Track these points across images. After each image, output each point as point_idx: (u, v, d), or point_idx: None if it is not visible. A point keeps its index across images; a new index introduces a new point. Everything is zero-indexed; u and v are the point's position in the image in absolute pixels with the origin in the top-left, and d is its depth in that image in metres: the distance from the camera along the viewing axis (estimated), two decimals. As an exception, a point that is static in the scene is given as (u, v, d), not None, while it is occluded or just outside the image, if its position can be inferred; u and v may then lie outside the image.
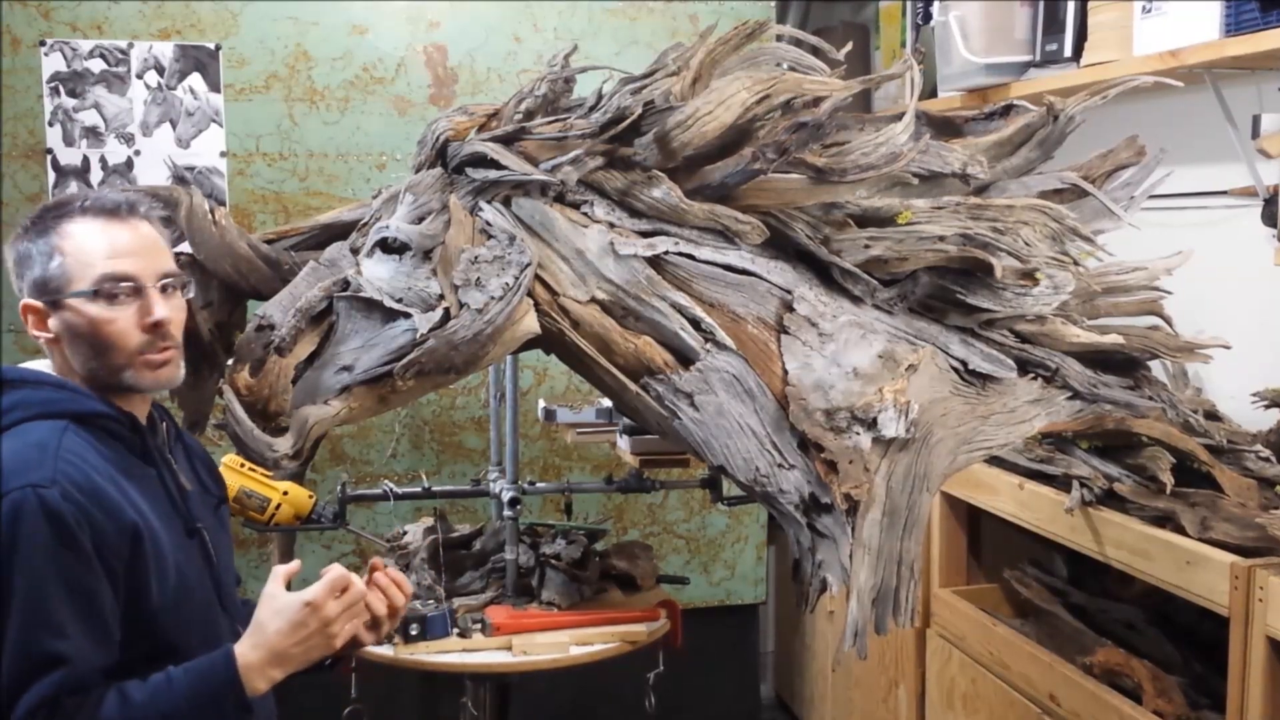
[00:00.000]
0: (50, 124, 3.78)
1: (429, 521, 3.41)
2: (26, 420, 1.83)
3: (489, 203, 2.32)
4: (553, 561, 3.23)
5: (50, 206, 1.93)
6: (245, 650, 1.81)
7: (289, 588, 1.89)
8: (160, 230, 1.98)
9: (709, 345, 2.22)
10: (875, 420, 2.13)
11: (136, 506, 1.83)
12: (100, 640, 1.76)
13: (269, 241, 2.49)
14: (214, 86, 3.87)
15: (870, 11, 4.69)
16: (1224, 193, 3.13)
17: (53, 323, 1.88)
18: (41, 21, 3.76)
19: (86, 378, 1.90)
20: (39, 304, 1.88)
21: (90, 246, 1.87)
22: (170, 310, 1.90)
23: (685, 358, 2.23)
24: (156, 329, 1.88)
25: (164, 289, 1.91)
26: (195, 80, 3.85)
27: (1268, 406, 2.91)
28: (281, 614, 1.83)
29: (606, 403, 3.30)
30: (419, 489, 3.28)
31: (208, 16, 3.86)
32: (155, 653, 1.83)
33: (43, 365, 1.95)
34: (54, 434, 1.81)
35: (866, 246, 2.26)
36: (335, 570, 1.89)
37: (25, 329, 1.92)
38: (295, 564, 1.90)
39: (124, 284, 1.87)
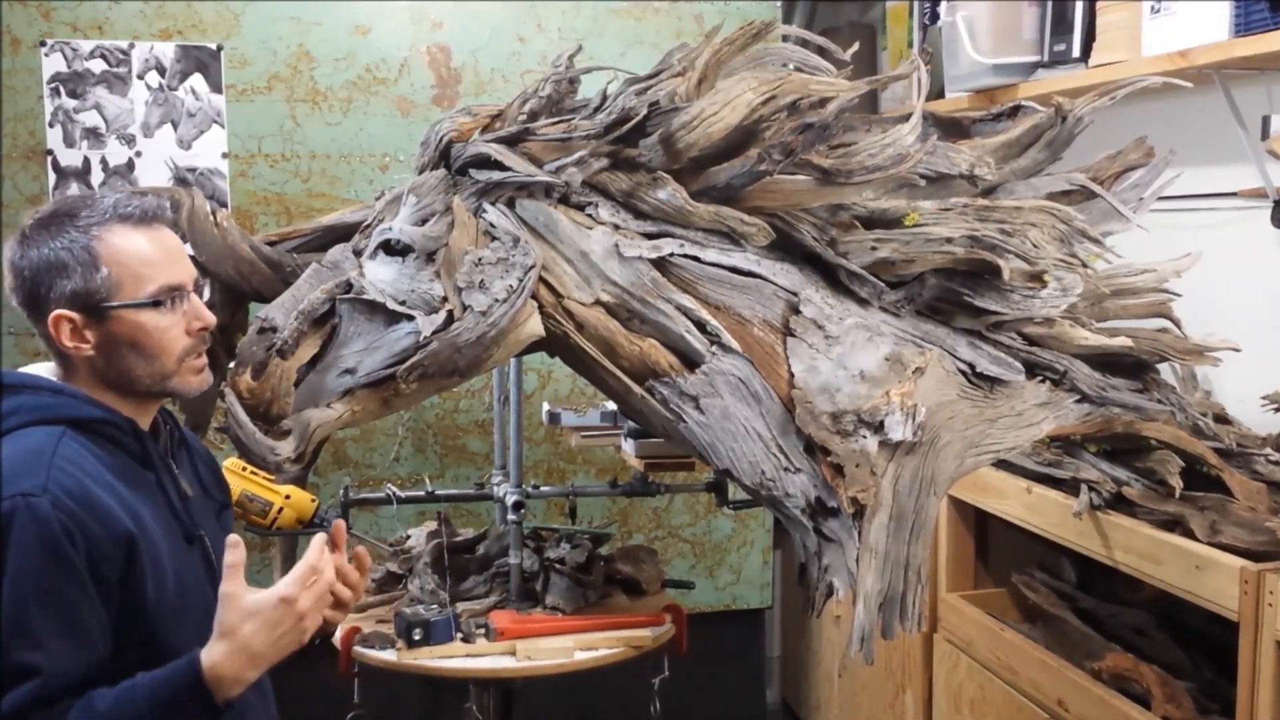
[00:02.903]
0: (51, 125, 3.77)
1: (432, 525, 3.40)
2: (24, 426, 1.82)
3: (493, 204, 2.31)
4: (557, 566, 3.22)
5: (71, 209, 1.88)
6: (218, 658, 1.74)
7: None
8: (179, 238, 1.99)
9: (714, 348, 2.20)
10: (882, 423, 2.11)
11: (134, 513, 1.81)
12: (79, 654, 1.73)
13: (271, 243, 2.48)
14: (215, 87, 3.86)
15: (877, 11, 4.68)
16: (1233, 194, 3.12)
17: (91, 333, 1.86)
18: (42, 22, 3.75)
19: (120, 384, 1.88)
20: (76, 316, 1.85)
21: (138, 257, 1.86)
22: None
23: (690, 360, 2.22)
24: (204, 332, 1.92)
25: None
26: (197, 81, 3.84)
27: (1277, 409, 2.89)
28: (255, 615, 1.77)
29: (611, 406, 3.28)
30: (422, 493, 3.27)
31: (209, 17, 3.85)
32: (152, 660, 1.81)
33: (42, 369, 1.93)
34: (50, 440, 1.79)
35: (873, 248, 2.25)
36: (307, 560, 1.85)
37: (29, 331, 1.90)
38: (242, 552, 1.82)
39: (179, 292, 1.89)
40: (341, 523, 2.03)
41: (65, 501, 1.73)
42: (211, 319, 1.93)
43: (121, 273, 1.84)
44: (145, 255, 1.87)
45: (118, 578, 1.77)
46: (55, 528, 1.71)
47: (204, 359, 1.95)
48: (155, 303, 1.86)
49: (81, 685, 1.72)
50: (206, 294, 2.07)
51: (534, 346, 2.30)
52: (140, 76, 3.81)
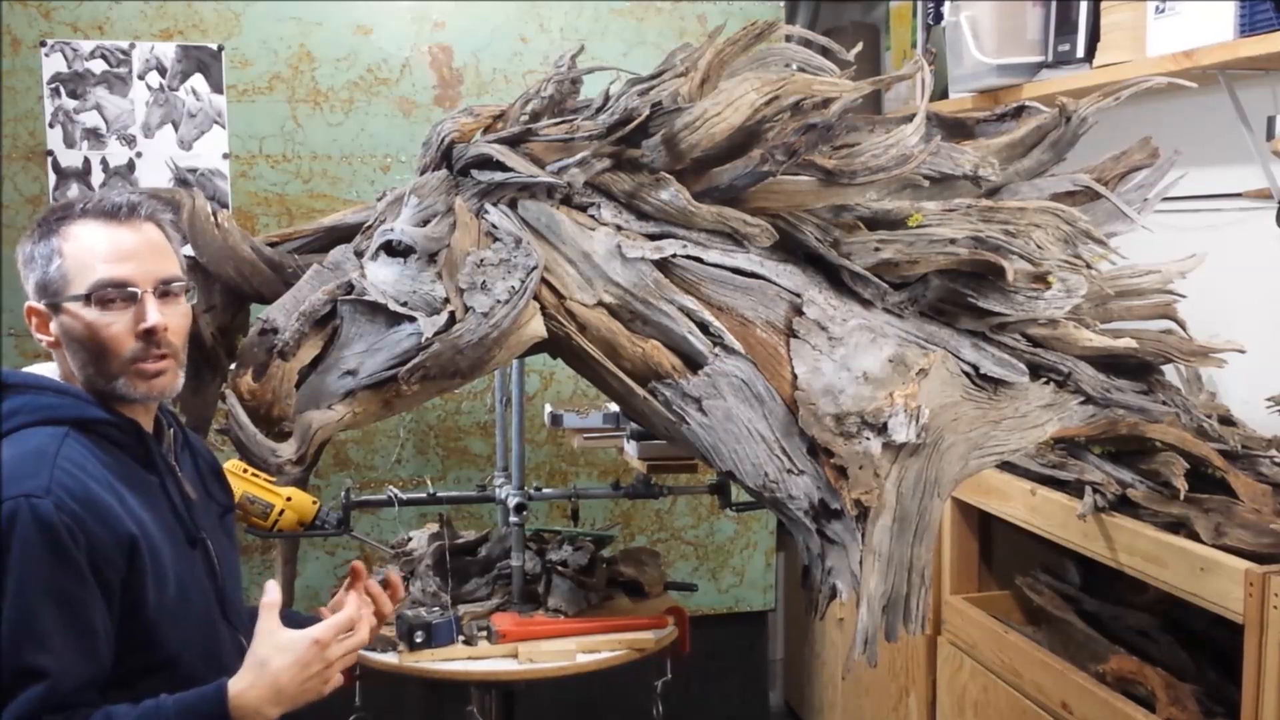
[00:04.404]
0: (51, 125, 3.76)
1: (434, 527, 3.40)
2: (27, 426, 1.81)
3: (495, 205, 2.30)
4: (559, 568, 3.21)
5: (56, 208, 1.91)
6: (244, 688, 1.75)
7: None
8: (169, 233, 1.96)
9: (717, 349, 2.20)
10: (886, 425, 2.11)
11: (135, 516, 1.81)
12: (86, 654, 1.73)
13: (272, 244, 2.47)
14: (216, 88, 3.85)
15: (880, 11, 4.68)
16: (1238, 195, 3.11)
17: (53, 326, 1.86)
18: (42, 22, 3.74)
19: (85, 384, 1.87)
20: (41, 307, 1.86)
21: (88, 249, 1.84)
22: (168, 316, 1.87)
23: (693, 362, 2.21)
24: (149, 336, 1.85)
25: (164, 294, 1.88)
26: (198, 81, 3.83)
27: (1282, 411, 2.89)
28: (287, 652, 1.78)
29: (613, 407, 3.28)
30: (424, 495, 3.26)
31: (210, 17, 3.84)
32: (153, 664, 1.80)
33: (48, 369, 1.93)
34: (53, 441, 1.78)
35: (877, 249, 2.24)
36: (346, 612, 1.86)
37: (29, 332, 1.90)
38: (278, 594, 1.84)
39: (118, 289, 1.84)
40: (359, 565, 2.04)
41: (68, 503, 1.72)
42: (154, 321, 1.85)
43: (70, 266, 1.84)
44: (95, 249, 1.85)
45: (120, 580, 1.77)
46: (59, 529, 1.70)
47: (161, 364, 1.88)
48: (87, 297, 1.82)
49: (89, 687, 1.72)
50: (194, 299, 2.01)
51: (536, 348, 2.29)
52: (141, 77, 3.80)
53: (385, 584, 2.11)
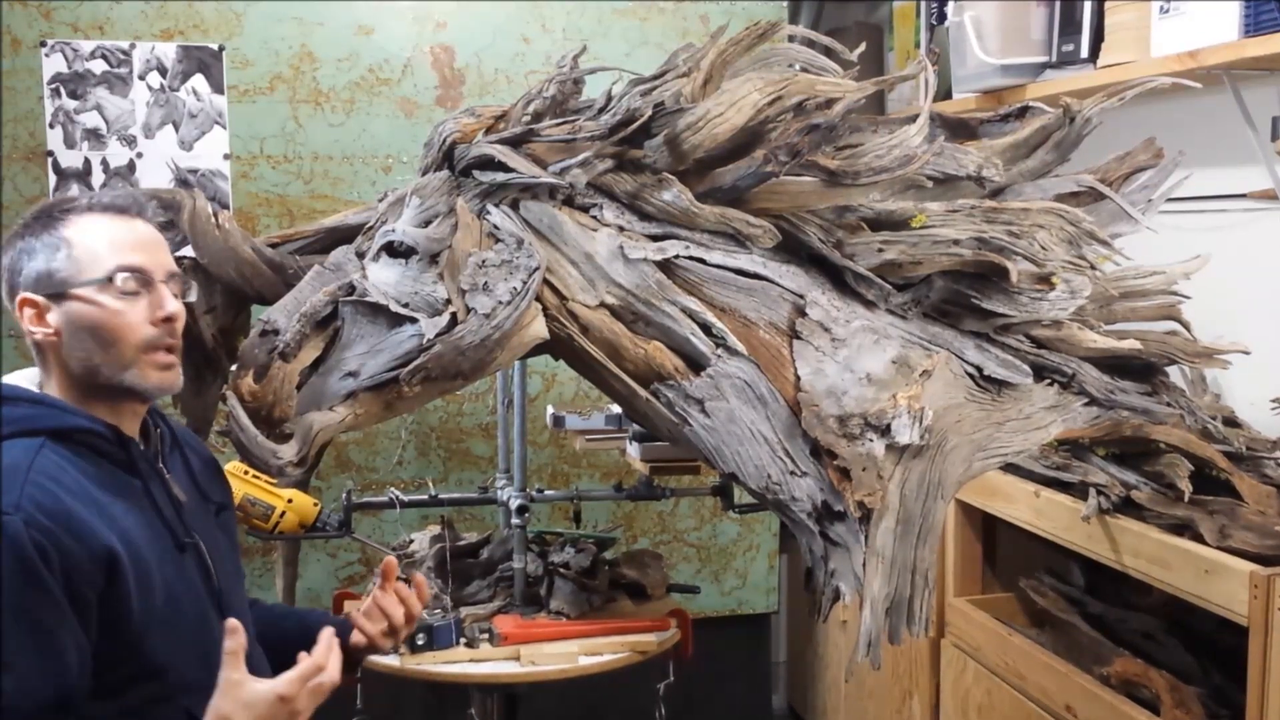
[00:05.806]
0: (51, 126, 3.75)
1: (436, 529, 3.39)
2: (1, 439, 1.78)
3: (496, 206, 2.30)
4: (561, 570, 3.20)
5: (53, 204, 1.89)
6: None
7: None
8: (161, 236, 1.95)
9: (720, 351, 2.19)
10: (889, 427, 2.10)
11: (117, 526, 1.77)
12: (50, 676, 1.68)
13: (273, 245, 2.47)
14: (217, 88, 3.85)
15: (884, 12, 4.66)
16: (1243, 196, 3.10)
17: (53, 317, 1.83)
18: (42, 22, 3.74)
19: (85, 377, 1.84)
20: (39, 298, 1.83)
21: (100, 239, 1.84)
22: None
23: (696, 363, 2.21)
24: (168, 323, 1.85)
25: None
26: (198, 82, 3.83)
27: (1287, 413, 2.88)
28: (251, 708, 1.74)
29: (616, 409, 3.27)
30: (426, 496, 3.26)
31: (211, 17, 3.83)
32: (143, 673, 1.78)
33: (24, 378, 1.90)
34: (27, 454, 1.75)
35: (880, 250, 2.23)
36: (313, 658, 1.81)
37: (21, 327, 1.87)
38: (242, 638, 1.78)
39: (137, 275, 1.83)
40: (393, 559, 2.03)
41: (39, 519, 1.68)
42: (175, 309, 1.86)
43: (82, 253, 1.82)
44: (108, 237, 1.84)
45: (97, 595, 1.73)
46: (28, 547, 1.66)
47: (170, 357, 1.87)
48: (109, 280, 1.81)
49: (51, 708, 1.68)
50: (193, 295, 2.01)
51: (538, 349, 2.28)
52: (141, 77, 3.79)
53: (409, 583, 2.11)
